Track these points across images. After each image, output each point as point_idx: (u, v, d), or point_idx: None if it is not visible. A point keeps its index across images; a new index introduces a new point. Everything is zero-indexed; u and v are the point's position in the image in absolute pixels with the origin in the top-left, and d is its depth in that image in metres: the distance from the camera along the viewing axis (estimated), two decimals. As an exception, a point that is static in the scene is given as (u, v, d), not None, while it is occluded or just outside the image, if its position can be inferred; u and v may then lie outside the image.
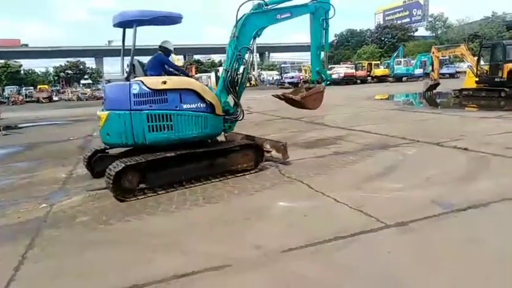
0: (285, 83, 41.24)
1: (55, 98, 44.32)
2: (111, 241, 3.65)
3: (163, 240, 3.59)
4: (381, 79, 40.61)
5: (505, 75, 15.05)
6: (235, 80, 6.03)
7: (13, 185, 6.07)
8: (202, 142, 5.59)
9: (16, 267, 3.19)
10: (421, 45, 57.58)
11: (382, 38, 67.14)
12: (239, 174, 5.64)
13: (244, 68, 6.07)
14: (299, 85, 8.53)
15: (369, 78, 42.03)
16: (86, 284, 2.92)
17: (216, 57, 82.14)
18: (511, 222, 3.66)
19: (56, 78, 72.04)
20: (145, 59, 5.98)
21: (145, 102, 4.99)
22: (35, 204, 4.86)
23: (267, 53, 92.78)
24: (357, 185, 4.88)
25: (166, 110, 5.09)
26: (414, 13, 75.87)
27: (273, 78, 52.16)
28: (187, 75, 6.62)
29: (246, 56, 6.05)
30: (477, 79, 16.50)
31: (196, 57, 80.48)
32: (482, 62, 17.40)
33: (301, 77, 39.80)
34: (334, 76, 38.67)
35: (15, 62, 69.28)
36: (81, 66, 76.27)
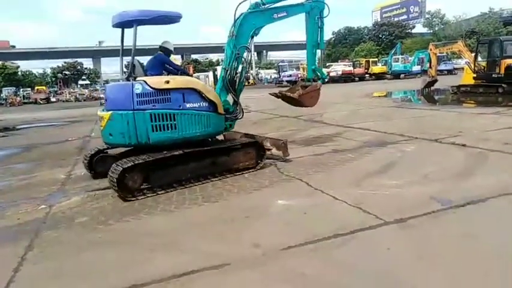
0: (283, 81, 41.24)
1: (53, 99, 44.18)
2: (110, 241, 3.65)
3: (163, 239, 3.59)
4: (379, 76, 40.64)
5: (502, 71, 15.07)
6: (235, 78, 6.06)
7: (12, 186, 6.06)
8: (203, 141, 5.61)
9: (15, 269, 3.18)
10: (418, 42, 57.61)
11: (380, 36, 67.17)
12: (239, 173, 5.65)
13: (242, 67, 6.10)
14: (297, 83, 8.61)
15: (366, 75, 42.05)
16: (86, 285, 2.92)
17: (214, 57, 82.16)
18: (509, 217, 3.66)
19: (53, 79, 71.91)
20: (141, 59, 5.95)
21: (149, 102, 5.00)
22: (34, 206, 4.85)
23: (264, 51, 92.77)
24: (355, 182, 4.88)
25: (170, 109, 5.10)
26: (411, 10, 75.88)
27: (271, 76, 52.16)
28: (188, 75, 6.64)
29: (245, 54, 6.08)
30: (475, 75, 16.51)
31: (193, 56, 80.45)
32: (479, 58, 17.42)
33: (299, 75, 39.77)
34: (332, 74, 38.70)
35: (12, 63, 69.08)
36: (79, 67, 76.21)
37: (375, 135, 8.09)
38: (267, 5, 6.38)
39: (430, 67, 19.49)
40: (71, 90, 53.22)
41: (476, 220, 3.63)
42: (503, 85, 14.94)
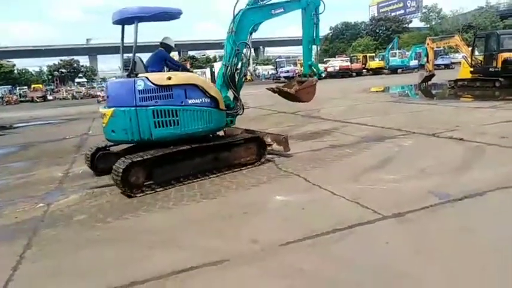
0: (280, 77, 41.15)
1: (49, 97, 43.98)
2: (109, 239, 3.65)
3: (161, 236, 3.59)
4: (376, 71, 40.59)
5: (499, 65, 15.08)
6: (235, 74, 6.09)
7: (9, 185, 6.05)
8: (205, 137, 5.62)
9: (14, 267, 3.18)
10: (415, 37, 57.55)
11: (377, 30, 67.03)
12: (242, 168, 5.68)
13: (242, 63, 6.14)
14: (293, 79, 8.65)
15: (364, 70, 42.00)
16: (85, 283, 2.92)
17: (211, 53, 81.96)
18: (507, 211, 3.68)
19: (50, 77, 71.62)
20: (139, 56, 5.92)
21: (151, 98, 5.01)
22: (32, 204, 4.84)
23: (261, 47, 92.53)
24: (353, 178, 4.89)
25: (172, 105, 5.12)
26: (408, 5, 75.73)
27: (268, 72, 52.13)
28: (189, 71, 6.65)
29: (244, 50, 6.11)
30: (472, 69, 16.54)
31: (190, 53, 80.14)
32: (476, 52, 17.42)
33: (297, 71, 39.72)
34: (329, 69, 38.66)
35: (8, 61, 68.68)
36: (75, 65, 75.85)
37: (373, 130, 8.10)
38: (265, 1, 6.41)
39: (428, 61, 19.51)
40: (68, 88, 52.97)
41: (473, 214, 3.65)
42: (500, 79, 14.96)
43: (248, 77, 45.98)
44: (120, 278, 2.87)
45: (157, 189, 4.97)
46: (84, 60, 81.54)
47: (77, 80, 69.05)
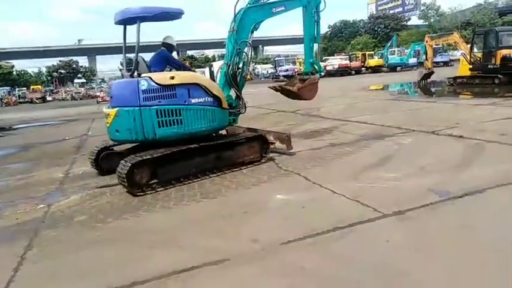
0: (279, 76, 41.16)
1: (49, 98, 43.97)
2: (110, 239, 3.65)
3: (162, 236, 3.59)
4: (375, 69, 40.64)
5: (498, 62, 15.08)
6: (237, 73, 6.11)
7: (10, 186, 6.05)
8: (208, 136, 5.64)
9: (15, 268, 3.19)
10: (414, 34, 57.50)
11: (376, 28, 66.98)
12: (243, 167, 5.70)
13: (244, 62, 6.16)
14: (294, 77, 8.66)
15: (363, 68, 42.06)
16: (86, 283, 2.92)
17: (210, 53, 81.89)
18: (507, 208, 3.68)
19: (49, 78, 71.54)
20: (141, 56, 5.92)
21: (155, 98, 5.03)
22: (32, 205, 4.85)
23: (260, 46, 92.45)
24: (353, 176, 4.89)
25: (176, 104, 5.14)
26: (407, 2, 75.68)
27: (267, 71, 52.11)
28: (191, 70, 6.66)
29: (246, 49, 6.13)
30: (471, 67, 16.53)
31: (189, 52, 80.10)
32: (475, 50, 17.43)
33: (296, 70, 39.68)
34: (328, 68, 38.65)
35: (7, 62, 68.61)
36: (74, 65, 75.79)
37: (372, 129, 8.10)
38: (266, 0, 6.41)
39: (426, 59, 19.50)
40: (67, 88, 52.99)
41: (474, 211, 3.65)
42: (499, 76, 14.96)
43: (247, 76, 45.93)
44: (120, 278, 2.87)
45: (158, 189, 4.97)
46: (83, 61, 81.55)
47: (76, 80, 69.00)
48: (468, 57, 16.74)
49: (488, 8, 58.23)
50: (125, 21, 5.36)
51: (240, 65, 6.15)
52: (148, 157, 4.87)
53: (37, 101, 40.54)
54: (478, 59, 16.43)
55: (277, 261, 2.95)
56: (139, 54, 5.28)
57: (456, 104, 11.28)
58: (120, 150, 5.96)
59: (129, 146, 5.75)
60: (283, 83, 8.66)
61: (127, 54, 6.13)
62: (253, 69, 56.68)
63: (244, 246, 3.21)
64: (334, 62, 42.45)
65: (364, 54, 43.91)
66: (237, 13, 6.08)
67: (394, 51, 40.61)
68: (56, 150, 8.96)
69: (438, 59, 35.40)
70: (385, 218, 3.53)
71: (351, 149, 6.42)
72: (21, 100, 43.01)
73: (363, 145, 6.67)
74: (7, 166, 7.73)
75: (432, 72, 19.21)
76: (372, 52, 47.65)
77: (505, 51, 14.94)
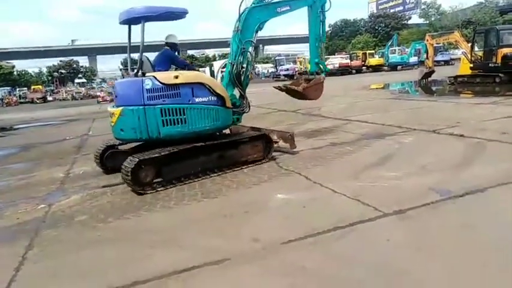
0: (280, 75, 41.20)
1: (49, 98, 43.97)
2: (110, 239, 3.65)
3: (162, 236, 3.59)
4: (376, 68, 40.59)
5: (499, 61, 15.04)
6: (241, 73, 6.12)
7: (10, 186, 6.06)
8: (212, 135, 5.66)
9: (16, 268, 3.19)
10: (415, 33, 57.45)
11: (376, 27, 66.93)
12: (244, 167, 5.71)
13: (248, 61, 6.17)
14: (294, 77, 8.67)
15: (363, 68, 42.00)
16: (87, 283, 2.92)
17: (210, 52, 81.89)
18: (507, 207, 3.67)
19: (49, 78, 71.62)
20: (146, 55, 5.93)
21: (159, 97, 5.07)
22: (33, 205, 4.85)
23: (261, 46, 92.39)
24: (354, 175, 4.89)
25: (180, 104, 5.17)
26: (407, 1, 75.58)
27: (268, 71, 52.07)
28: (194, 70, 6.68)
29: (250, 49, 6.14)
30: (472, 65, 16.50)
31: (190, 52, 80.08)
32: (476, 48, 17.37)
33: (296, 69, 39.72)
34: (329, 67, 38.55)
35: (7, 63, 68.68)
36: (75, 65, 75.86)
37: (373, 128, 8.09)
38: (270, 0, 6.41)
39: (427, 58, 19.47)
40: (68, 88, 53.01)
41: (475, 210, 3.64)
42: (500, 74, 14.93)
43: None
44: (121, 278, 2.87)
45: (158, 189, 4.98)
46: (83, 61, 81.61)
47: (76, 80, 69.05)
48: (469, 56, 16.71)
49: (489, 6, 58.09)
50: (130, 20, 5.39)
51: (244, 65, 6.16)
52: (156, 155, 4.91)
53: (38, 101, 40.55)
54: (479, 57, 16.40)
55: (278, 261, 2.94)
56: (144, 53, 5.31)
57: (457, 103, 11.27)
58: (124, 149, 5.99)
59: (134, 144, 5.78)
60: (289, 82, 8.66)
61: (131, 54, 6.16)
62: (254, 69, 56.66)
63: (245, 246, 3.21)
64: (335, 61, 42.38)
65: (364, 53, 43.86)
66: (242, 13, 6.08)
67: (395, 50, 40.56)
68: (56, 150, 8.97)
69: (439, 57, 35.30)
70: (386, 217, 3.52)
71: (352, 148, 6.42)
72: (22, 100, 43.02)
73: (364, 144, 6.66)
74: (8, 166, 7.74)
75: (433, 71, 19.19)
76: (373, 51, 47.59)
77: (506, 50, 14.91)
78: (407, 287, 2.53)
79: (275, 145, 6.30)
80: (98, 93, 36.37)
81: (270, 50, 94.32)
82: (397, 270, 2.69)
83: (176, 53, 6.42)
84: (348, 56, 45.47)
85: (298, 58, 43.65)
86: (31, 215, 4.50)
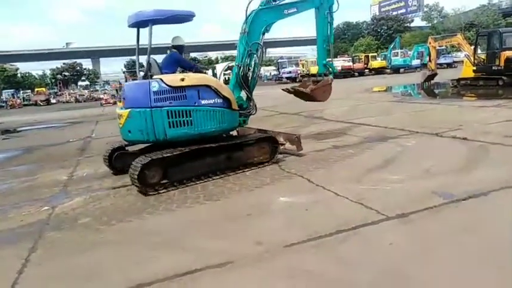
0: (282, 78, 41.22)
1: (53, 101, 44.20)
2: (114, 241, 3.66)
3: (165, 238, 3.60)
4: (379, 71, 40.52)
5: (502, 64, 14.99)
6: (247, 75, 6.16)
7: (14, 188, 6.08)
8: (218, 137, 5.70)
9: (19, 270, 3.20)
10: (417, 36, 57.41)
11: (379, 30, 66.91)
12: (246, 169, 5.73)
13: (255, 63, 6.20)
14: (297, 79, 8.68)
15: (366, 70, 41.96)
16: (90, 285, 2.93)
17: (213, 55, 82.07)
18: (511, 210, 3.66)
19: (53, 80, 71.91)
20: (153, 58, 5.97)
21: (165, 99, 5.13)
22: (36, 207, 4.87)
23: (264, 48, 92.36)
24: (357, 178, 4.89)
25: (186, 106, 5.23)
26: (410, 3, 75.66)
27: (270, 73, 52.12)
28: (202, 72, 6.72)
29: (257, 51, 6.17)
30: (474, 68, 16.45)
31: (192, 54, 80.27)
32: (479, 51, 17.34)
33: (299, 72, 39.76)
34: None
35: (11, 65, 69.06)
36: (78, 68, 76.18)
37: (376, 130, 8.09)
38: (278, 2, 6.43)
39: (430, 61, 19.41)
40: (71, 91, 53.24)
41: (478, 214, 3.63)
42: (503, 77, 14.87)
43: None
44: (125, 280, 2.88)
45: (161, 191, 4.99)
46: (87, 63, 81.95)
47: (79, 83, 69.35)
48: (472, 58, 16.66)
49: (491, 9, 58.06)
50: (138, 24, 5.47)
51: (251, 67, 6.19)
52: (163, 156, 4.97)
53: (41, 104, 40.75)
54: (482, 60, 16.35)
55: (281, 264, 2.94)
56: (152, 56, 5.36)
57: (460, 106, 11.24)
58: (132, 150, 6.06)
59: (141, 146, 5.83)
60: (297, 84, 8.67)
61: (130, 56, 6.21)
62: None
63: (248, 249, 3.21)
64: (337, 63, 42.39)
65: (367, 56, 43.86)
66: (249, 15, 6.11)
67: (397, 52, 40.49)
68: (60, 153, 9.01)
69: (442, 60, 35.23)
70: (389, 221, 3.52)
71: (354, 151, 6.41)
72: (25, 102, 43.27)
73: (367, 147, 6.66)
74: (12, 168, 7.77)
75: (435, 74, 19.15)
76: (375, 54, 47.56)
77: (509, 53, 14.86)
78: (410, 291, 2.53)
79: (281, 147, 6.33)
80: (101, 96, 36.52)
81: (273, 52, 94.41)
82: (399, 274, 2.68)
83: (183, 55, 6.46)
84: (351, 58, 45.46)
85: (300, 61, 43.71)
86: (35, 217, 4.51)
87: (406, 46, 48.58)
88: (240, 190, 4.87)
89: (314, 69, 34.42)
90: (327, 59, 7.33)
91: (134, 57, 6.32)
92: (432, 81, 19.62)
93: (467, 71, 17.06)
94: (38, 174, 6.86)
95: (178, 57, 6.15)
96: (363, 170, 5.23)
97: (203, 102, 5.36)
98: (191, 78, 5.42)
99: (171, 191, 5.00)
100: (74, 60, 76.91)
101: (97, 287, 2.89)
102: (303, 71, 38.80)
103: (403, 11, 75.23)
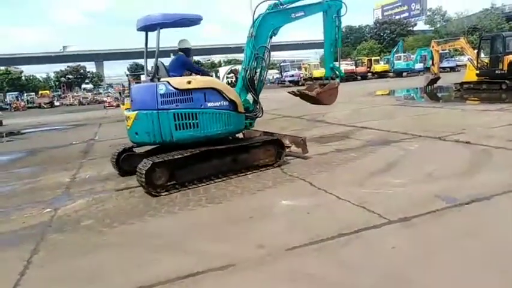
0: (285, 81, 41.23)
1: (56, 103, 44.47)
2: (116, 244, 3.67)
3: (167, 241, 3.60)
4: (381, 75, 40.53)
5: (505, 68, 14.95)
6: (254, 78, 6.19)
7: (17, 190, 6.11)
8: (224, 139, 5.73)
9: (21, 272, 3.21)
10: (420, 40, 57.40)
11: (381, 34, 66.99)
12: (248, 172, 5.73)
13: (262, 67, 6.23)
14: (299, 83, 8.70)
15: (369, 74, 41.93)
16: (92, 287, 2.93)
17: (216, 58, 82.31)
18: (514, 214, 3.64)
19: (57, 83, 72.31)
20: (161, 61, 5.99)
21: (172, 102, 5.19)
22: (39, 209, 4.89)
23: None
24: (359, 182, 4.88)
25: (192, 108, 5.27)
26: (412, 7, 75.74)
27: (273, 77, 52.13)
28: (209, 75, 6.75)
29: (264, 55, 6.19)
30: (478, 72, 16.42)
31: (195, 58, 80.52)
32: (482, 55, 17.31)
33: (301, 75, 39.78)
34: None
35: (15, 68, 69.50)
36: (82, 71, 76.56)
37: (378, 134, 8.07)
38: (285, 5, 6.44)
39: (433, 64, 19.41)
40: (75, 94, 53.52)
41: (481, 218, 3.61)
42: (506, 81, 14.82)
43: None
44: (127, 282, 2.88)
45: (162, 193, 5.00)
46: (90, 66, 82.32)
47: (83, 86, 69.68)
48: (475, 62, 16.63)
49: (495, 13, 57.95)
50: (147, 27, 5.54)
51: (258, 70, 6.21)
52: (170, 158, 5.03)
53: (45, 106, 40.98)
54: (485, 64, 16.32)
55: (283, 267, 2.94)
56: (138, 60, 5.39)
57: (463, 110, 11.21)
58: (140, 152, 6.10)
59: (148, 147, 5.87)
60: (303, 87, 8.69)
61: (135, 59, 6.24)
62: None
63: (250, 252, 3.21)
64: (340, 67, 42.37)
65: (370, 60, 43.82)
66: (256, 19, 6.13)
67: (400, 56, 40.49)
68: (63, 155, 9.04)
69: (445, 64, 35.18)
70: (391, 225, 3.51)
71: (357, 155, 6.40)
72: (29, 105, 43.54)
73: (369, 151, 6.65)
74: (15, 170, 7.80)
75: (438, 78, 19.12)
76: (378, 57, 47.55)
77: (512, 57, 14.83)
78: (412, 295, 2.51)
79: (287, 150, 6.34)
80: (105, 99, 36.66)
81: (275, 56, 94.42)
82: (402, 278, 2.67)
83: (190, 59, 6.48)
84: (353, 62, 45.46)
85: (303, 64, 43.70)
86: (37, 219, 4.53)
87: (409, 50, 48.61)
88: (242, 193, 4.87)
89: (317, 73, 34.50)
90: (334, 63, 7.34)
91: (137, 61, 6.37)
92: (435, 85, 19.59)
93: (470, 74, 17.03)
94: (41, 176, 6.89)
95: (186, 60, 6.18)
96: (365, 173, 5.22)
97: (209, 104, 5.40)
98: (198, 81, 5.46)
99: (173, 194, 5.01)
100: (78, 63, 77.28)
101: (99, 289, 2.89)
102: (306, 75, 38.83)
103: (406, 14, 75.32)
